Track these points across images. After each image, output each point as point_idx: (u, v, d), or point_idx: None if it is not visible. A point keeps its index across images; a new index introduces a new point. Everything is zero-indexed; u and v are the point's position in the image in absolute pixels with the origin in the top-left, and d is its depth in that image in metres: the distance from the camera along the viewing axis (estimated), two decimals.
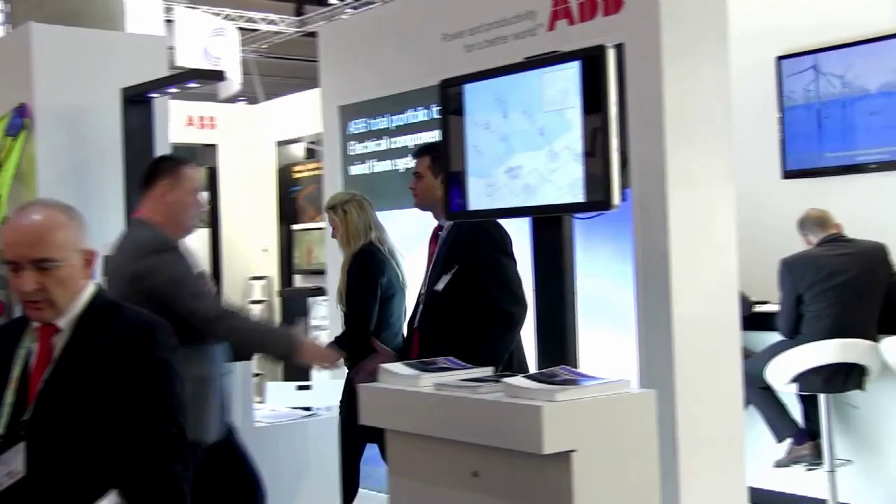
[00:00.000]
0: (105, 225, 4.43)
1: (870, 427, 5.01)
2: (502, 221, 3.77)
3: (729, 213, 3.94)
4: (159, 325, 2.47)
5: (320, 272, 5.69)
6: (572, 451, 2.53)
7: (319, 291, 5.56)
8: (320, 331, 5.33)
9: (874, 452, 4.99)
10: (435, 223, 4.09)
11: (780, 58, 6.18)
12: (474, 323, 3.68)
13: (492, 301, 3.68)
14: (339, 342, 4.46)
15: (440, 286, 3.83)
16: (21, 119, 4.73)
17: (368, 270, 4.50)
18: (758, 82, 6.13)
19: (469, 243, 3.79)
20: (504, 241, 3.81)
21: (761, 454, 5.04)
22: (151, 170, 3.66)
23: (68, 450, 2.31)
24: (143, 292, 3.29)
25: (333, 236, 4.70)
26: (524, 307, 3.70)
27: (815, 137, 6.11)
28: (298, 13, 10.97)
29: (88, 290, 2.47)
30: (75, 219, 2.47)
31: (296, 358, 3.57)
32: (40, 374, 2.38)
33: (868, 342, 4.72)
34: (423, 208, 4.09)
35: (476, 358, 3.18)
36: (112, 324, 2.44)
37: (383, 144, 5.09)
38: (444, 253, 3.90)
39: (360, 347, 4.37)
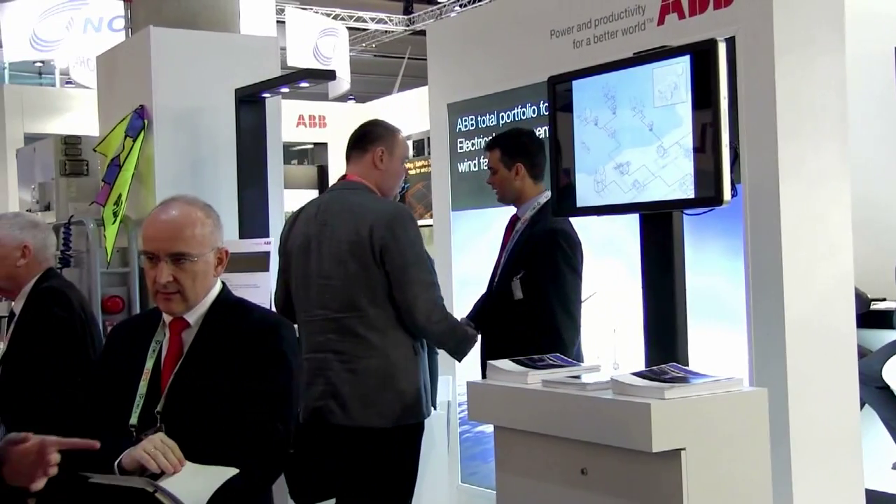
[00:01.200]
0: None
1: None
2: (610, 219, 3.75)
3: (844, 208, 3.84)
4: (283, 323, 2.58)
5: None
6: (682, 449, 2.51)
7: None
8: None
9: None
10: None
11: None
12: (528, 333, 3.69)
13: (548, 316, 3.67)
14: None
15: (515, 291, 3.81)
16: (140, 120, 4.90)
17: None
18: (876, 72, 5.94)
19: (537, 248, 3.78)
20: (574, 254, 3.79)
21: (879, 455, 4.89)
22: (364, 133, 3.61)
23: (197, 440, 2.40)
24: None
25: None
26: (577, 331, 3.74)
27: None
28: (407, 12, 11.06)
29: (216, 288, 2.57)
30: (213, 217, 2.57)
31: None
32: (171, 368, 2.48)
33: None
34: (506, 202, 4.08)
35: None
36: (238, 321, 2.54)
37: None
38: (515, 248, 3.90)
39: None
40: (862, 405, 4.29)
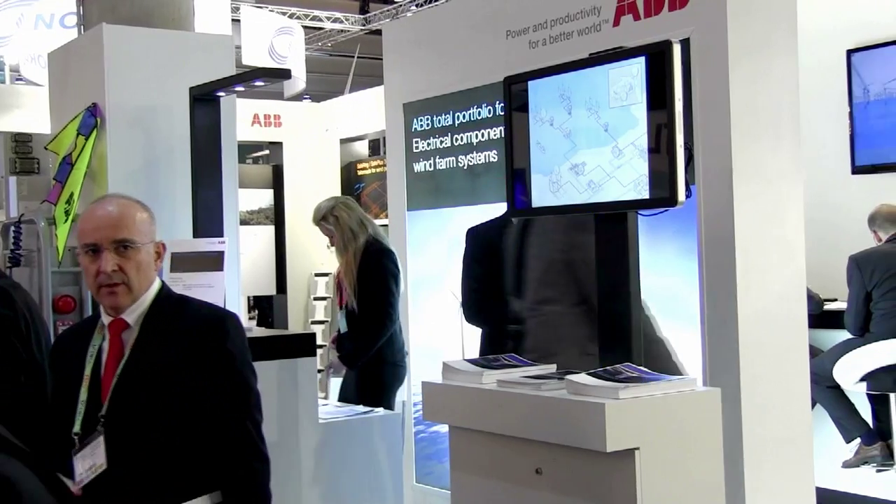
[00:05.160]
0: (173, 222, 4.53)
1: None
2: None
3: (797, 209, 3.89)
4: (228, 317, 2.52)
5: None
6: (636, 448, 2.52)
7: None
8: None
9: None
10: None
11: (851, 52, 6.06)
12: None
13: None
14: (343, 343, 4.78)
15: None
16: (93, 118, 4.83)
17: (389, 279, 4.72)
18: (827, 77, 6.03)
19: None
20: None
21: (829, 454, 4.95)
22: None
23: (147, 441, 2.37)
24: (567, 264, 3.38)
25: (330, 246, 4.88)
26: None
27: (886, 132, 5.98)
28: (363, 11, 11.03)
29: (156, 285, 2.52)
30: (149, 211, 2.54)
31: None
32: (113, 370, 2.42)
33: None
34: None
35: None
36: (180, 317, 2.48)
37: (447, 142, 5.10)
38: None
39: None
40: (813, 404, 4.35)
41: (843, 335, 4.95)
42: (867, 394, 4.89)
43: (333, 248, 5.04)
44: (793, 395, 3.86)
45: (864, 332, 4.86)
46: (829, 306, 5.18)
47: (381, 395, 4.75)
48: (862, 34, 6.00)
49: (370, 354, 4.83)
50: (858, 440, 4.97)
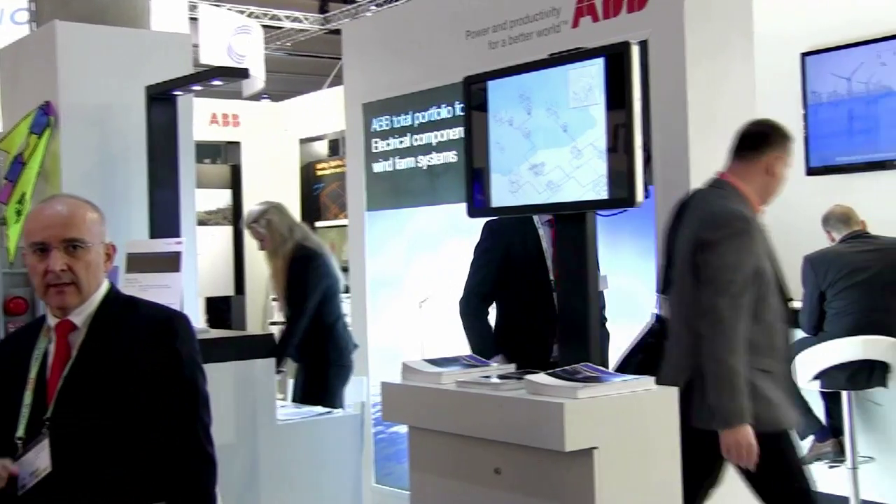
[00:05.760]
0: (129, 222, 4.48)
1: (892, 424, 4.97)
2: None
3: None
4: (177, 318, 2.49)
5: (344, 269, 5.71)
6: (594, 448, 2.53)
7: (343, 289, 5.60)
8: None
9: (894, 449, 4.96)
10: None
11: (805, 55, 6.14)
12: None
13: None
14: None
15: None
16: (45, 117, 4.76)
17: (312, 277, 4.73)
18: (782, 80, 6.09)
19: None
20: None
21: None
22: (758, 133, 3.32)
23: (93, 444, 2.33)
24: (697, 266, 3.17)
25: (262, 249, 4.93)
26: None
27: (839, 134, 6.07)
28: (322, 10, 10.99)
29: (104, 287, 2.48)
30: (99, 211, 2.50)
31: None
32: (59, 373, 2.38)
33: (891, 339, 4.69)
34: None
35: None
36: (129, 318, 2.44)
37: (406, 142, 5.10)
38: None
39: (309, 345, 4.77)
40: None
41: (798, 334, 5.01)
42: (820, 392, 4.96)
43: (262, 251, 5.13)
44: None
45: (819, 331, 4.92)
46: None
47: (324, 395, 4.75)
48: (816, 38, 6.08)
49: (288, 353, 4.92)
50: (812, 437, 5.03)
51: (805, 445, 5.06)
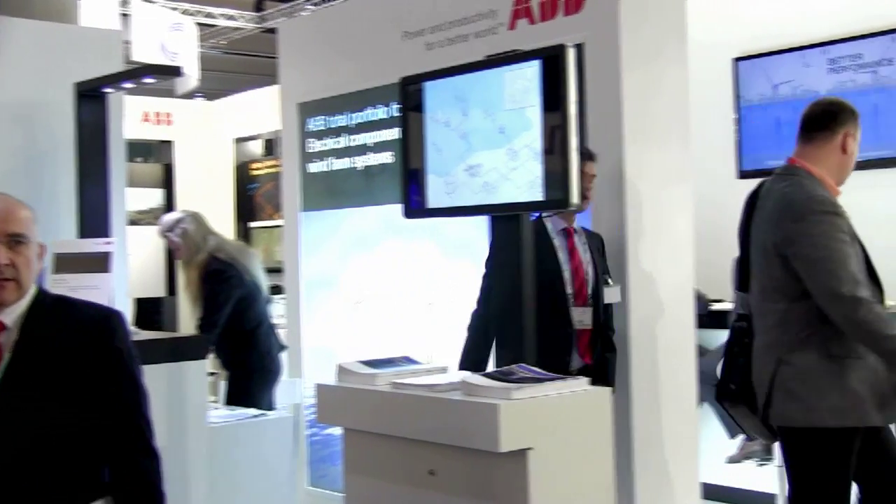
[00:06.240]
0: (58, 222, 4.38)
1: None
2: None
3: (686, 212, 3.98)
4: (115, 316, 2.45)
5: (278, 270, 5.66)
6: (529, 449, 2.53)
7: (277, 290, 5.54)
8: (279, 329, 5.35)
9: None
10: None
11: (737, 60, 6.24)
12: None
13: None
14: None
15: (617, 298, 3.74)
16: None
17: (223, 290, 4.71)
18: (715, 84, 6.19)
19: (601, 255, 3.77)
20: None
21: (714, 450, 5.08)
22: (828, 112, 3.20)
23: (34, 445, 2.28)
24: (785, 258, 3.03)
25: (177, 258, 4.93)
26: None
27: (770, 138, 6.18)
28: (258, 9, 10.88)
29: (33, 286, 2.44)
30: (31, 210, 2.46)
31: None
32: None
33: None
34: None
35: None
36: (62, 317, 2.40)
37: (342, 142, 5.07)
38: (597, 260, 3.75)
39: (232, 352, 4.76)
40: (700, 402, 4.45)
41: None
42: None
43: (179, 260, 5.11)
44: (681, 393, 3.95)
45: None
46: (716, 306, 5.32)
47: (249, 400, 4.71)
48: (748, 43, 6.18)
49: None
50: (742, 436, 5.11)
51: (735, 445, 5.14)
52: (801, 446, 3.10)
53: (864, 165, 5.70)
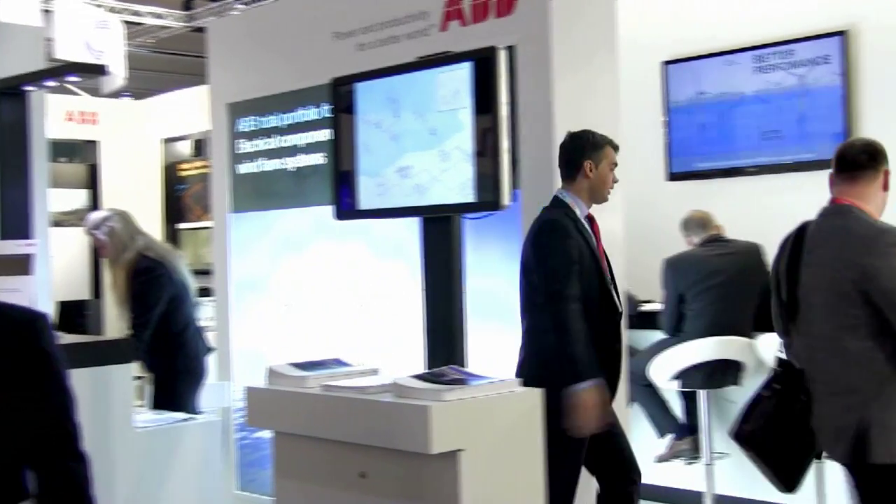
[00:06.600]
0: None
1: None
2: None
3: (617, 214, 4.01)
4: (40, 318, 2.40)
5: (207, 272, 5.58)
6: (460, 450, 2.53)
7: (206, 292, 5.46)
8: (207, 331, 5.28)
9: None
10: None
11: (666, 63, 6.33)
12: None
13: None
14: None
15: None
16: None
17: (153, 289, 4.71)
18: (644, 87, 6.27)
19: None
20: None
21: (644, 449, 5.14)
22: (870, 151, 3.20)
23: None
24: (866, 294, 2.99)
25: (103, 256, 4.87)
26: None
27: (698, 141, 6.28)
28: (186, 7, 10.72)
29: None
30: None
31: None
32: None
33: (744, 339, 4.86)
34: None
35: None
36: None
37: (273, 143, 5.02)
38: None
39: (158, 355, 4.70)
40: (630, 402, 4.49)
41: (660, 335, 5.14)
42: (679, 391, 5.10)
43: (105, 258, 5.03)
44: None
45: (678, 333, 5.07)
46: (645, 307, 5.38)
47: (174, 404, 4.65)
48: (676, 47, 6.28)
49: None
50: (671, 435, 5.18)
51: (664, 444, 5.20)
52: None
53: (789, 168, 5.91)
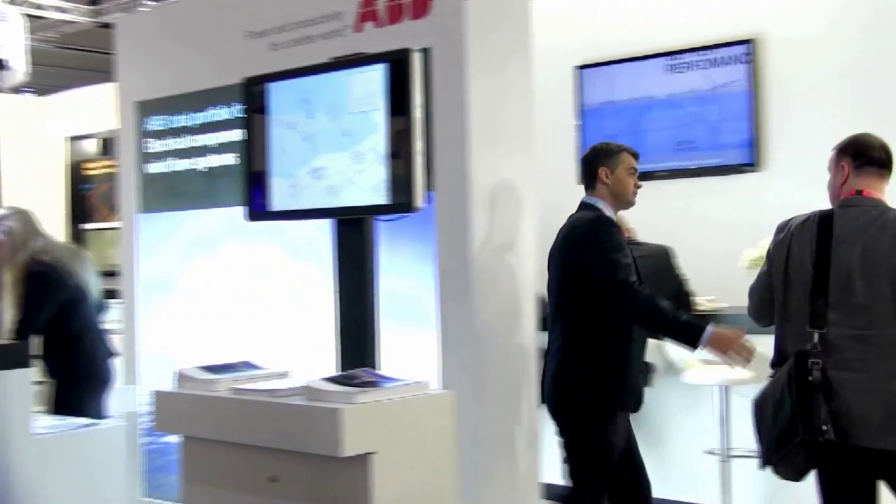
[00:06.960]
0: None
1: (655, 421, 5.25)
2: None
3: (530, 216, 4.05)
4: None
5: (113, 273, 5.45)
6: (372, 453, 2.52)
7: (112, 294, 5.34)
8: (113, 334, 5.16)
9: (659, 444, 5.24)
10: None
11: (579, 67, 6.41)
12: None
13: None
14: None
15: None
16: None
17: (44, 292, 4.63)
18: (558, 91, 6.34)
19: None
20: None
21: (555, 451, 5.19)
22: (890, 153, 3.27)
23: None
24: None
25: (0, 256, 4.76)
26: None
27: None
28: (92, 2, 10.47)
29: None
30: None
31: None
32: None
33: (655, 341, 4.94)
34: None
35: None
36: None
37: (183, 142, 4.94)
38: None
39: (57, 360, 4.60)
40: (541, 403, 4.53)
41: None
42: None
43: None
44: (522, 394, 4.01)
45: None
46: None
47: (77, 407, 4.54)
48: (589, 52, 6.37)
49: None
50: None
51: None
52: None
53: (700, 173, 6.04)
